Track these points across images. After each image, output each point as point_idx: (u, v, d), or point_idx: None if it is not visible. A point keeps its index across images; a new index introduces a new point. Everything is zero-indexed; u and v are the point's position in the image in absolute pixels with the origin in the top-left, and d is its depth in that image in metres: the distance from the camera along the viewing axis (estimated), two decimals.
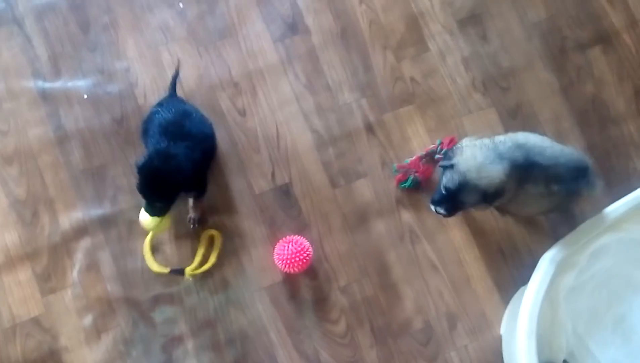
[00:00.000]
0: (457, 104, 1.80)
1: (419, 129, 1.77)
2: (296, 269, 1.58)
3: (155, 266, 1.60)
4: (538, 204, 1.51)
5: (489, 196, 1.40)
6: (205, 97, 1.75)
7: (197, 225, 1.65)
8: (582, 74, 1.84)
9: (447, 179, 1.43)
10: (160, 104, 1.60)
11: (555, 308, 1.58)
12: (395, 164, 1.72)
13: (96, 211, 1.66)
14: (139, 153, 1.60)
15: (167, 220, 1.56)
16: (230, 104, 1.76)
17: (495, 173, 1.37)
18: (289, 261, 1.57)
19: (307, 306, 1.64)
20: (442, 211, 1.48)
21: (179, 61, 1.72)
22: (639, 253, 1.65)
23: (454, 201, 1.44)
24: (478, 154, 1.39)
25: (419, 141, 1.76)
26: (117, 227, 1.66)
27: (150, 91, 1.74)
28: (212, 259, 1.62)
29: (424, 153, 1.72)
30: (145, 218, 1.53)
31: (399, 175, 1.71)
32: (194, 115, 1.58)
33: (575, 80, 1.83)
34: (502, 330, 1.65)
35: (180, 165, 1.45)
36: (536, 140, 1.46)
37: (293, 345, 1.62)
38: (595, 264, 1.63)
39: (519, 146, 1.42)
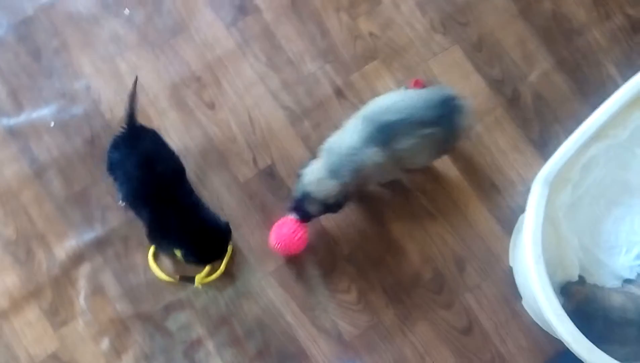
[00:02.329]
0: (420, 49, 1.66)
1: (388, 82, 1.63)
2: (294, 250, 1.46)
3: (163, 275, 1.49)
4: (422, 152, 1.41)
5: (332, 206, 1.38)
6: (171, 98, 1.60)
7: None
8: None
9: (295, 189, 1.41)
10: (116, 147, 1.41)
11: (557, 227, 1.49)
12: None
13: (89, 235, 1.53)
14: None
15: None
16: (197, 100, 1.61)
17: (331, 186, 1.34)
18: (285, 244, 1.44)
19: (316, 282, 1.52)
20: (296, 217, 1.42)
21: (135, 81, 1.45)
22: (628, 157, 1.56)
23: (303, 209, 1.40)
24: (321, 166, 1.36)
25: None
26: (112, 246, 1.53)
27: (115, 105, 1.59)
28: (222, 268, 1.50)
29: None
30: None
31: None
32: (161, 153, 1.41)
33: (532, 0, 1.69)
34: (511, 261, 1.54)
35: (215, 220, 1.42)
36: (385, 100, 1.38)
37: (311, 322, 1.50)
38: (588, 176, 1.53)
39: (369, 119, 1.35)
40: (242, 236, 1.54)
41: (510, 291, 1.52)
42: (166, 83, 1.61)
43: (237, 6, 1.65)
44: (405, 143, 1.35)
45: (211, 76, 1.62)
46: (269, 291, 1.51)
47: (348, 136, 1.35)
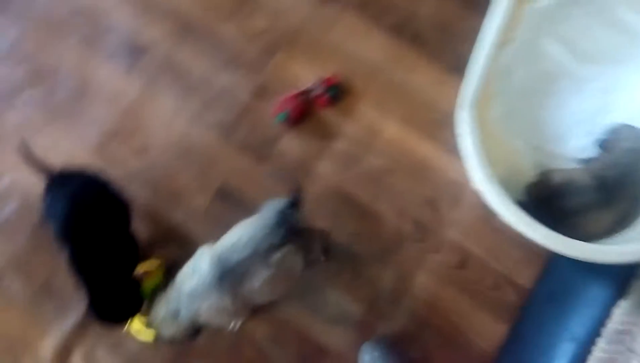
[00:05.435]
0: (316, 25, 1.76)
1: (300, 66, 1.72)
2: None
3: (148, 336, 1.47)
4: (279, 281, 1.35)
5: (193, 335, 1.38)
6: (100, 161, 1.63)
7: None
8: None
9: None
10: (45, 193, 1.39)
11: (500, 139, 1.58)
12: (274, 100, 1.68)
13: (68, 322, 1.54)
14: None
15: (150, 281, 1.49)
16: (126, 150, 1.66)
17: (172, 328, 1.34)
18: None
19: (309, 276, 1.55)
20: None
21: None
22: (538, 49, 1.67)
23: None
24: (165, 306, 1.34)
25: (307, 76, 1.71)
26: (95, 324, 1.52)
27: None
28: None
29: (302, 89, 1.68)
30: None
31: (276, 107, 1.66)
32: (87, 198, 1.38)
33: None
34: (475, 184, 1.63)
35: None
36: (231, 237, 1.31)
37: (319, 318, 1.54)
38: (510, 82, 1.64)
39: (216, 260, 1.28)
40: None
41: (486, 212, 1.59)
42: (90, 147, 1.64)
43: (129, 50, 1.72)
44: (257, 281, 1.29)
45: (130, 124, 1.67)
46: (266, 305, 1.53)
47: (196, 276, 1.29)
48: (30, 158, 1.39)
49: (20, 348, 1.52)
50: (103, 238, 1.36)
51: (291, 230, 1.30)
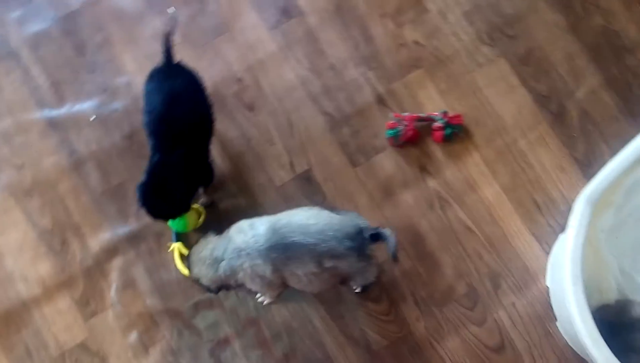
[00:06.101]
0: (466, 60, 1.74)
1: (431, 92, 1.71)
2: None
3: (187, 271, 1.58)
4: (319, 280, 1.38)
5: (216, 288, 1.43)
6: (211, 98, 1.69)
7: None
8: (589, 8, 1.77)
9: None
10: (150, 78, 1.47)
11: (597, 249, 1.54)
12: (393, 114, 1.67)
13: (123, 229, 1.65)
14: None
15: (193, 216, 1.56)
16: (237, 101, 1.72)
17: (205, 273, 1.39)
18: None
19: (347, 289, 1.60)
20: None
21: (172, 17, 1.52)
22: None
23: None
24: (211, 249, 1.39)
25: (433, 105, 1.71)
26: (146, 241, 1.64)
27: None
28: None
29: (424, 114, 1.67)
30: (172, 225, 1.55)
31: (391, 122, 1.66)
32: (185, 96, 1.44)
33: (583, 15, 1.77)
34: (548, 281, 1.58)
35: (173, 182, 1.42)
36: (301, 218, 1.34)
37: (339, 329, 1.58)
38: (632, 200, 1.57)
39: (275, 230, 1.32)
40: None
41: (545, 311, 1.58)
42: (207, 82, 1.69)
43: (281, 9, 1.77)
44: (301, 269, 1.34)
45: (252, 78, 1.73)
46: (298, 295, 1.59)
47: (249, 236, 1.34)
48: (170, 33, 1.45)
49: (72, 233, 1.65)
50: (186, 140, 1.43)
51: (356, 251, 1.33)
